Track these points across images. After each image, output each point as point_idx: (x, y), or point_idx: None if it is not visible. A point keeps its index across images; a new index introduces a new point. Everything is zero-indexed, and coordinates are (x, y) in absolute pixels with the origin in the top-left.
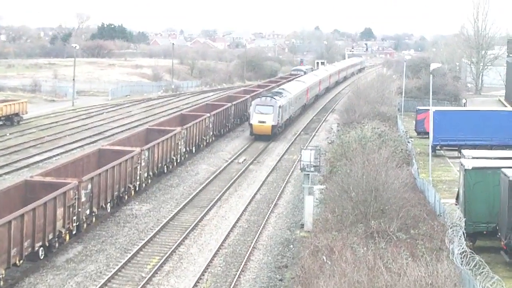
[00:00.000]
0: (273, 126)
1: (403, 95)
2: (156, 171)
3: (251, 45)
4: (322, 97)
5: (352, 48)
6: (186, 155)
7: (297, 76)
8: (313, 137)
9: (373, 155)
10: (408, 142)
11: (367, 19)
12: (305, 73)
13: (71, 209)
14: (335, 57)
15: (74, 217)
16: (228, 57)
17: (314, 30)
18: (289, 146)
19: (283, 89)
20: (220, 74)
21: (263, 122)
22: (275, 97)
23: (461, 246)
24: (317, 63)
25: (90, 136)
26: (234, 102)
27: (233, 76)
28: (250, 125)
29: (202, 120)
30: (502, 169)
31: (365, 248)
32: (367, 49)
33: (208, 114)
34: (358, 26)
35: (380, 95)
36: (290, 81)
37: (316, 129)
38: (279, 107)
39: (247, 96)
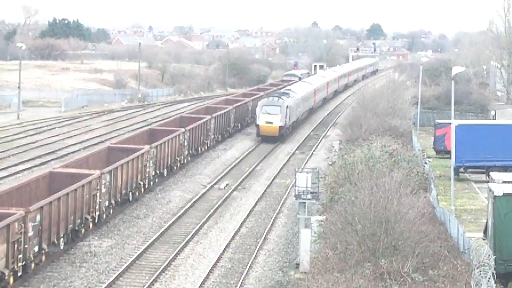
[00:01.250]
0: (280, 127)
1: (419, 105)
2: (119, 199)
3: (234, 44)
4: (322, 108)
5: (357, 49)
6: (156, 180)
7: (290, 83)
8: (310, 157)
9: (383, 179)
10: (426, 163)
11: (375, 14)
12: (300, 78)
13: (15, 245)
14: (336, 59)
15: (20, 256)
16: (206, 59)
17: (311, 27)
18: (281, 168)
19: (289, 89)
20: (197, 80)
21: (271, 122)
22: (282, 97)
23: None
24: (315, 66)
25: (39, 156)
26: (214, 115)
27: (213, 83)
28: (257, 126)
29: (176, 136)
30: None
31: None
32: (375, 50)
33: (183, 130)
34: (364, 21)
35: (391, 106)
36: (284, 87)
37: (314, 147)
38: (287, 107)
39: (230, 107)
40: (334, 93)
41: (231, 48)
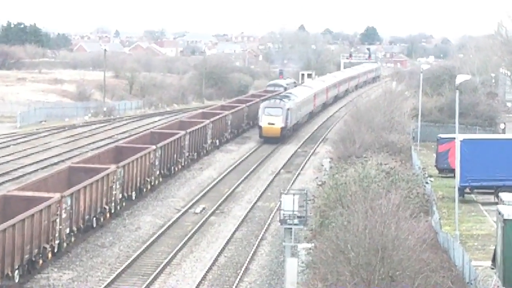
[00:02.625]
0: (282, 128)
1: (420, 118)
2: (82, 225)
3: (212, 51)
4: (309, 122)
5: (350, 55)
6: (124, 203)
7: (274, 94)
8: (297, 176)
9: (379, 201)
10: (427, 182)
11: (370, 16)
12: (285, 89)
13: None
14: (326, 66)
15: None
16: (180, 67)
17: (298, 31)
18: (265, 189)
19: (290, 93)
20: (169, 91)
21: (272, 124)
22: (284, 99)
23: None
24: (302, 75)
25: None
26: (189, 130)
27: (188, 94)
28: (259, 127)
29: (145, 154)
30: None
31: None
32: (370, 56)
33: (154, 147)
34: (357, 25)
35: (388, 119)
36: (267, 98)
37: (302, 165)
38: (288, 109)
39: (207, 121)
40: (334, 98)
41: (208, 55)
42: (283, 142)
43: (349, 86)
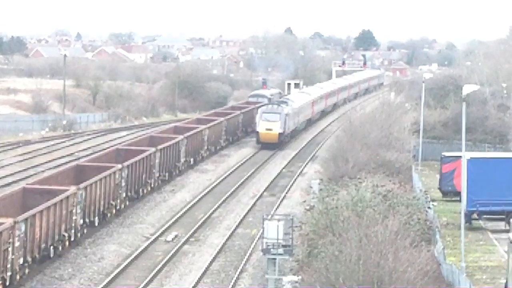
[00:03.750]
0: (280, 134)
1: (421, 134)
2: (37, 255)
3: (186, 57)
4: (296, 137)
5: (343, 62)
6: (85, 230)
7: (258, 106)
8: (282, 200)
9: (374, 228)
10: (429, 207)
11: (365, 18)
12: (269, 99)
13: None
14: (315, 75)
15: None
16: (150, 76)
17: (284, 34)
18: (246, 214)
19: (287, 98)
20: (138, 102)
21: (270, 129)
22: (282, 104)
23: None
24: (288, 84)
25: None
26: (159, 147)
27: (159, 106)
28: (257, 133)
29: (110, 174)
30: None
31: None
32: (365, 63)
33: (120, 166)
34: (351, 28)
35: (386, 135)
36: (251, 110)
37: (287, 187)
38: (286, 115)
39: (180, 137)
40: (333, 106)
41: (181, 62)
42: (267, 160)
43: (349, 94)
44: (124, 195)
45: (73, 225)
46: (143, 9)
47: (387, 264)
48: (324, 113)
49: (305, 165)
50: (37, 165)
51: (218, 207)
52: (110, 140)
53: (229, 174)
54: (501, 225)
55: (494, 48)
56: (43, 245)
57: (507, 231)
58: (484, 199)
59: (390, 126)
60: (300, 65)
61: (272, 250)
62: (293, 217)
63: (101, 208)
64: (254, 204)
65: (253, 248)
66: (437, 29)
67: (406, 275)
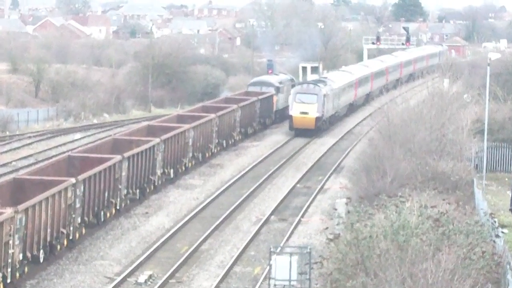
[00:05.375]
0: (317, 118)
1: (486, 136)
2: None
3: (163, 31)
4: (315, 143)
5: (377, 38)
6: (26, 268)
7: (261, 97)
8: (295, 226)
9: (423, 265)
10: (497, 235)
11: None
12: (277, 88)
13: None
14: (340, 56)
15: None
16: (114, 57)
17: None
18: (246, 246)
19: (326, 77)
20: (97, 93)
21: (306, 113)
22: (319, 84)
23: None
24: (304, 68)
25: None
26: (127, 154)
27: (126, 98)
28: (290, 116)
29: (60, 191)
30: None
31: None
32: (408, 40)
33: (73, 180)
34: None
35: (438, 138)
36: (252, 102)
37: (303, 208)
38: (324, 96)
39: (156, 140)
40: (381, 89)
41: (157, 38)
42: (275, 172)
43: (401, 75)
44: (79, 220)
45: (9, 261)
46: None
47: None
48: (368, 96)
49: (326, 180)
50: None
51: (208, 236)
52: (60, 145)
53: (223, 191)
54: None
55: None
56: None
57: None
58: None
59: (443, 125)
60: (318, 42)
61: None
62: (310, 250)
63: (48, 238)
64: (258, 232)
65: None
66: None
67: None
